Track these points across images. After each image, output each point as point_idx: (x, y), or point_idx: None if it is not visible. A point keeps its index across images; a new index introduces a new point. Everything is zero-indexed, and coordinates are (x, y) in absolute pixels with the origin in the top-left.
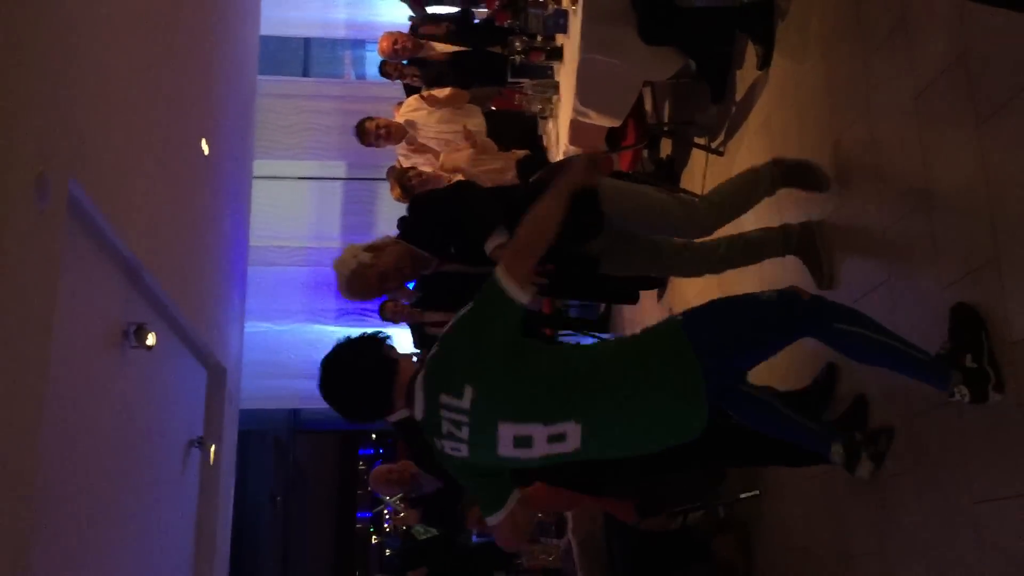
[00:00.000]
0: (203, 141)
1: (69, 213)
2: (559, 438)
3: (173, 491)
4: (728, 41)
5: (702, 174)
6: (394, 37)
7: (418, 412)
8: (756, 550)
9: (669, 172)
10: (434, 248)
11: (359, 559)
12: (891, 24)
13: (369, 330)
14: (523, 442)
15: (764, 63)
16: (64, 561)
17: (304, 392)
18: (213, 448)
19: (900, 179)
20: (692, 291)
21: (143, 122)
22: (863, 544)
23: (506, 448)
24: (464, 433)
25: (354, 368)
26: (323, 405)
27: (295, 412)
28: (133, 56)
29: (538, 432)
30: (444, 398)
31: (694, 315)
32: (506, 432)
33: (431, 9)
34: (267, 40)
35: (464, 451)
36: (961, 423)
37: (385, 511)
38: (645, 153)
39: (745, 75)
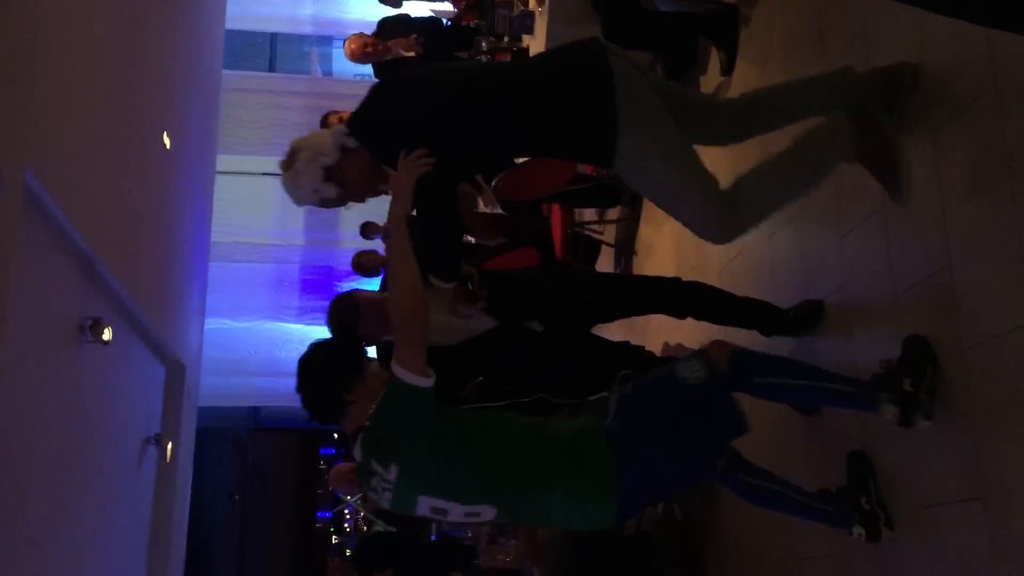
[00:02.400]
0: (165, 135)
1: (25, 205)
2: (474, 515)
3: (128, 489)
4: (692, 47)
5: None
6: (364, 40)
7: (357, 455)
8: (708, 547)
9: None
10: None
11: (319, 558)
12: (852, 33)
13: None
14: (440, 512)
15: (727, 69)
16: (13, 560)
17: (264, 389)
18: (170, 446)
19: (858, 188)
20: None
21: (103, 114)
22: (813, 547)
23: (424, 511)
24: (387, 497)
25: (320, 368)
26: (283, 403)
27: (255, 410)
28: (94, 47)
29: (455, 508)
30: (374, 464)
31: (621, 427)
32: (424, 503)
33: (404, 7)
34: (233, 34)
35: (385, 505)
36: (911, 437)
37: (346, 511)
38: None
39: (709, 80)
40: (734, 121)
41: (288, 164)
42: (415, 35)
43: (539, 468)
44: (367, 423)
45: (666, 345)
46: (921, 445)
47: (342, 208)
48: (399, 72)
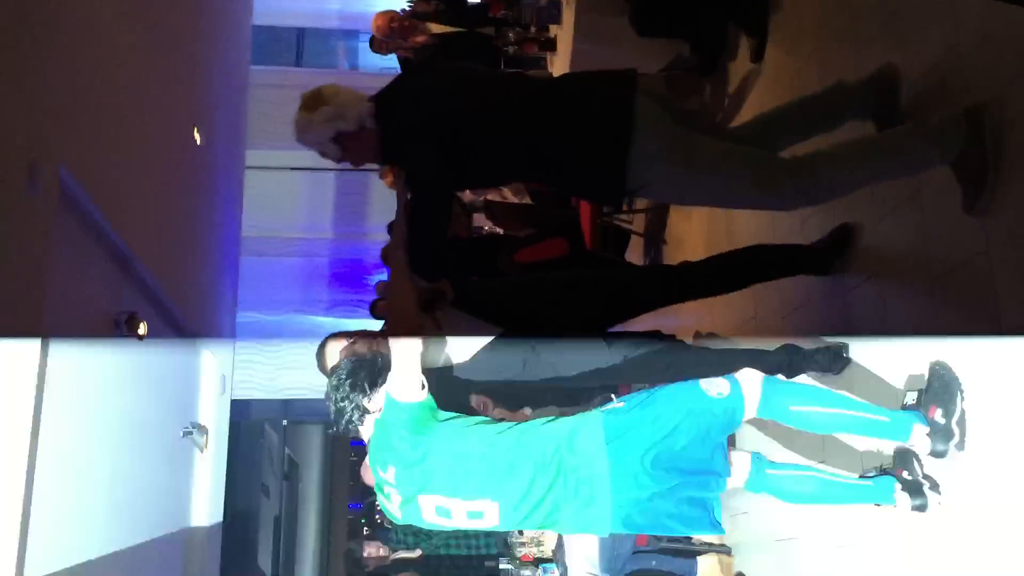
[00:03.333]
0: (195, 130)
1: (60, 201)
2: (477, 515)
3: (164, 481)
4: (722, 34)
5: None
6: (390, 15)
7: (368, 476)
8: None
9: None
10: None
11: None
12: (883, 18)
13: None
14: (444, 514)
15: (757, 56)
16: (54, 549)
17: (296, 382)
18: (204, 438)
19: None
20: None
21: (135, 111)
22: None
23: (429, 515)
24: (396, 503)
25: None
26: (314, 396)
27: (286, 403)
28: (125, 45)
29: (457, 506)
30: (378, 470)
31: (623, 414)
32: (427, 504)
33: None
34: (260, 30)
35: (397, 516)
36: None
37: (376, 502)
38: None
39: (738, 67)
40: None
41: (309, 107)
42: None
43: (535, 460)
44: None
45: (698, 334)
46: None
47: (369, 201)
48: (433, 60)
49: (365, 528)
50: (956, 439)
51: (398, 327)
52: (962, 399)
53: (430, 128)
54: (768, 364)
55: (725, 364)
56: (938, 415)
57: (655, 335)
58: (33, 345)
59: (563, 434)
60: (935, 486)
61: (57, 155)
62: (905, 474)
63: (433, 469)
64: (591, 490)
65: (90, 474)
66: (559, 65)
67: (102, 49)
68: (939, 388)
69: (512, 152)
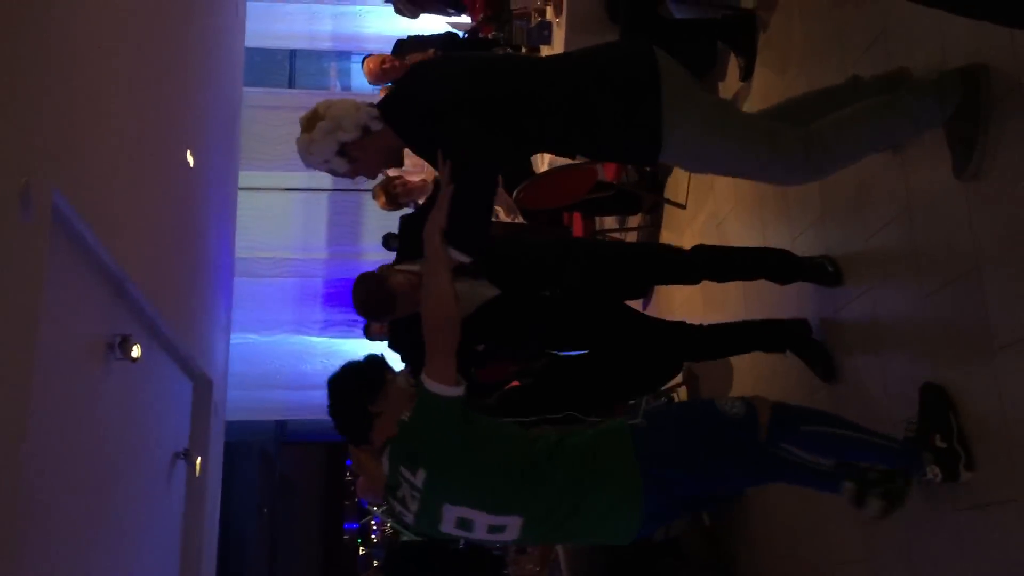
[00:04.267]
0: (188, 152)
1: (53, 224)
2: (499, 529)
3: (159, 504)
4: (711, 53)
5: (686, 184)
6: (381, 58)
7: (384, 467)
8: (739, 554)
9: (653, 182)
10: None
11: (347, 570)
12: (872, 36)
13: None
14: (465, 525)
15: (746, 74)
16: (50, 573)
17: (290, 403)
18: (199, 460)
19: (880, 187)
20: (678, 298)
21: (128, 133)
22: (847, 552)
23: (449, 525)
24: (414, 509)
25: (345, 392)
26: (309, 416)
27: (281, 424)
28: (118, 67)
29: (480, 519)
30: (403, 470)
31: (648, 429)
32: (450, 513)
33: (416, 29)
34: (253, 52)
35: (410, 519)
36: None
37: (372, 522)
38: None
39: (728, 86)
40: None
41: (307, 127)
42: (432, 50)
43: (563, 474)
44: (396, 434)
45: (689, 371)
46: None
47: (363, 221)
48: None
49: (361, 548)
50: (963, 459)
51: (438, 311)
52: (956, 417)
53: (460, 101)
54: None
55: None
56: (939, 440)
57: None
58: (26, 368)
59: (592, 448)
60: (970, 463)
61: (50, 177)
62: (939, 439)
63: (465, 478)
64: (622, 503)
65: (83, 495)
66: None
67: (95, 72)
68: (932, 413)
69: (548, 122)
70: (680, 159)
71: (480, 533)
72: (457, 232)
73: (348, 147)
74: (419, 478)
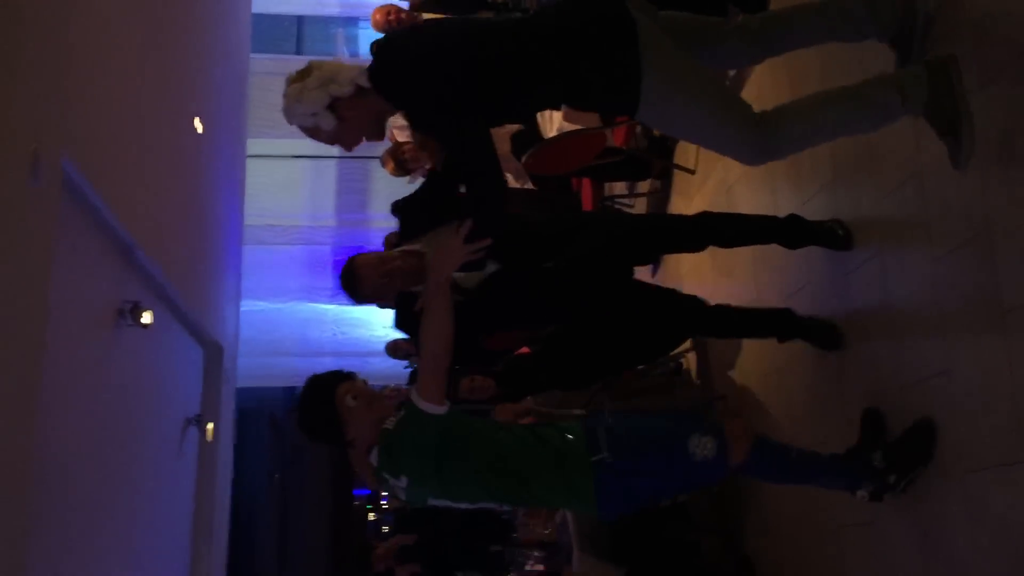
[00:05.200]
0: (196, 120)
1: (63, 192)
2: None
3: (172, 468)
4: (721, 9)
5: (696, 149)
6: (387, 9)
7: (372, 461)
8: (745, 517)
9: (662, 147)
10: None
11: (357, 535)
12: None
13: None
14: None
15: None
16: (63, 539)
17: (300, 370)
18: (210, 426)
19: (892, 151)
20: (686, 265)
21: (136, 101)
22: (851, 515)
23: (434, 502)
24: (400, 496)
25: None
26: None
27: (291, 391)
28: (126, 35)
29: (463, 505)
30: (385, 474)
31: (614, 464)
32: (435, 502)
33: None
34: (260, 18)
35: (402, 497)
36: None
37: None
38: (638, 129)
39: None
40: (750, 35)
41: (299, 77)
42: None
43: (533, 476)
44: (385, 435)
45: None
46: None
47: (371, 188)
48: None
49: (371, 513)
50: (894, 478)
51: (438, 341)
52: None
53: (449, 65)
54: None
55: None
56: (878, 459)
57: (673, 293)
58: (38, 335)
59: (557, 455)
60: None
61: (59, 146)
62: (877, 459)
63: (446, 481)
64: (582, 503)
65: (97, 459)
66: None
67: (104, 40)
68: (869, 435)
69: (530, 75)
70: (654, 115)
71: (464, 506)
72: (480, 221)
73: (339, 103)
74: (402, 482)
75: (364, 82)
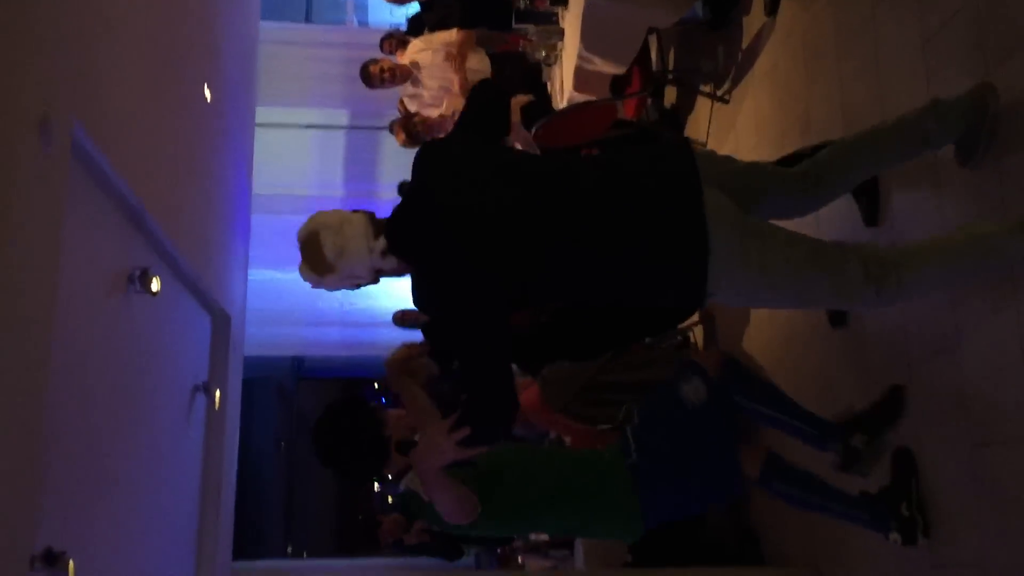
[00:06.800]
0: (205, 87)
1: (73, 157)
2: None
3: (179, 435)
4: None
5: (707, 122)
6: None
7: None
8: (763, 515)
9: (674, 120)
10: None
11: (362, 503)
12: None
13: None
14: None
15: (771, 9)
16: (71, 503)
17: (307, 339)
18: (218, 393)
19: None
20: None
21: (146, 66)
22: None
23: None
24: None
25: (350, 441)
26: (326, 353)
27: (298, 359)
28: (135, 1)
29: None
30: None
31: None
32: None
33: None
34: None
35: None
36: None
37: None
38: (649, 101)
39: (752, 21)
40: (806, 178)
41: (315, 270)
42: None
43: (568, 509)
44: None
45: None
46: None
47: (380, 159)
48: (437, 159)
49: (377, 484)
50: (921, 525)
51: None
52: (918, 484)
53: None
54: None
55: None
56: (904, 508)
57: None
58: (48, 300)
59: (593, 480)
60: (926, 529)
61: (69, 110)
62: (903, 508)
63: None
64: (624, 520)
65: (104, 426)
66: (570, 20)
67: (113, 4)
68: (901, 480)
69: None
70: (732, 300)
71: None
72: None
73: (364, 282)
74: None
75: (384, 264)
